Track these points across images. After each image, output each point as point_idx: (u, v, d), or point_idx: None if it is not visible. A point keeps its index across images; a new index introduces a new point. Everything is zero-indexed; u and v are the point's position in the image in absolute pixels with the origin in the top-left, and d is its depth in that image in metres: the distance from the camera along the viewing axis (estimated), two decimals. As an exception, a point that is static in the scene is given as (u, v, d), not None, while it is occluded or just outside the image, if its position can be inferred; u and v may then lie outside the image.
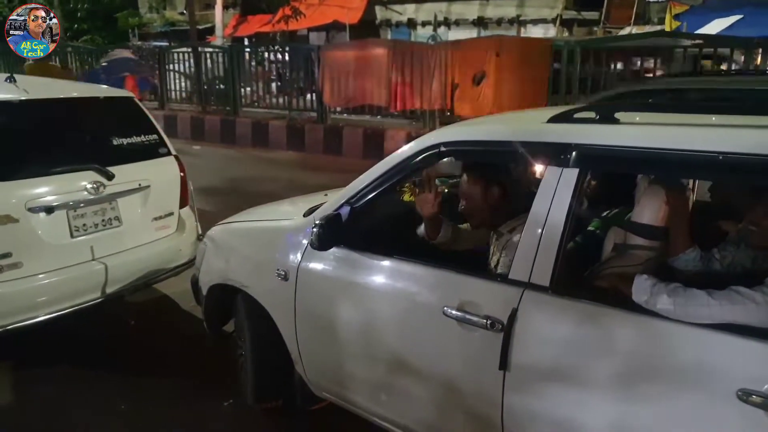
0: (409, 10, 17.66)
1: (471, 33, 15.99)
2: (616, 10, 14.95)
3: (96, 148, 3.57)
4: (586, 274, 2.08)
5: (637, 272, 1.75)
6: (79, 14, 21.43)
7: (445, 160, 2.28)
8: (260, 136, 11.22)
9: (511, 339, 1.82)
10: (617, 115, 1.88)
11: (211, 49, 13.15)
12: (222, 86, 12.52)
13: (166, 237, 3.77)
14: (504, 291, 1.89)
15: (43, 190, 3.19)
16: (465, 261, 2.23)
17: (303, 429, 2.87)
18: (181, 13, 20.71)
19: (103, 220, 3.43)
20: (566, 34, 15.34)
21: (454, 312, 1.95)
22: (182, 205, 3.90)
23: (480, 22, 16.58)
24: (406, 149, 2.26)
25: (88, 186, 3.32)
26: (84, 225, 3.34)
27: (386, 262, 2.24)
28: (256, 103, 12.31)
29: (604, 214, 2.49)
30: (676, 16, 12.00)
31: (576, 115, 1.97)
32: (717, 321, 1.53)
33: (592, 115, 1.92)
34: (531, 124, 2.21)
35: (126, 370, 3.33)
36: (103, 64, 10.16)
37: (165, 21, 21.85)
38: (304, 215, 2.63)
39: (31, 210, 3.12)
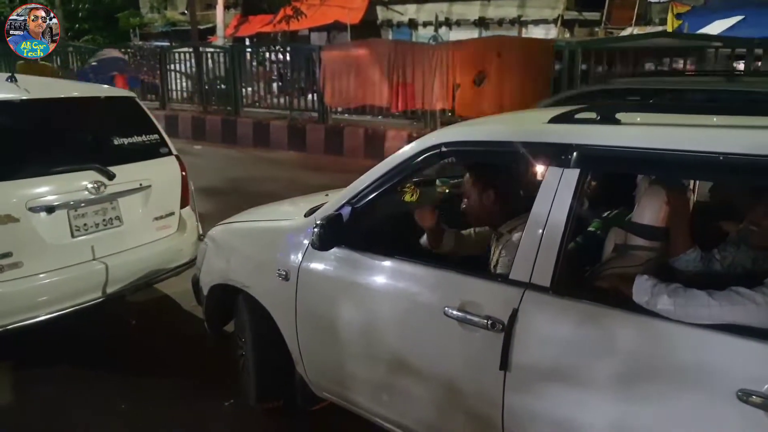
0: (410, 11, 17.66)
1: (472, 33, 15.98)
2: (618, 11, 14.95)
3: (97, 148, 3.57)
4: (586, 274, 2.08)
5: (638, 273, 1.75)
6: (80, 14, 21.45)
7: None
8: (261, 136, 11.22)
9: (511, 339, 1.82)
10: (618, 115, 1.88)
11: (212, 49, 13.16)
12: (223, 86, 12.52)
13: (167, 237, 3.77)
14: (505, 291, 1.89)
15: (44, 189, 3.19)
16: (466, 261, 2.23)
17: (304, 429, 2.87)
18: (183, 13, 20.71)
19: (103, 220, 3.43)
20: (567, 34, 15.33)
21: (454, 312, 1.95)
22: (183, 205, 3.90)
23: (481, 23, 16.57)
24: (407, 149, 2.26)
25: (89, 186, 3.33)
26: (85, 225, 3.34)
27: (387, 263, 2.25)
28: (257, 103, 12.32)
29: (605, 214, 2.49)
30: (678, 15, 12.00)
31: (577, 116, 1.97)
32: (717, 321, 1.54)
33: (593, 115, 1.92)
34: (532, 124, 2.21)
35: (126, 370, 3.33)
36: (93, 63, 10.17)
37: (166, 21, 21.85)
38: (305, 215, 2.63)
39: (32, 210, 3.12)
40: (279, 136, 11.03)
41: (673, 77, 5.55)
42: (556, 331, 1.79)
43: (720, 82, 4.49)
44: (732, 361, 1.50)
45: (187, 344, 3.63)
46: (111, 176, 3.41)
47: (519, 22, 16.12)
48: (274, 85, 12.60)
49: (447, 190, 3.23)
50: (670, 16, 12.26)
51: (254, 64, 12.69)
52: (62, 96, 3.74)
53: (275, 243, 2.66)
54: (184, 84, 13.25)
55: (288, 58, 12.17)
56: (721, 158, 1.59)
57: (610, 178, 2.62)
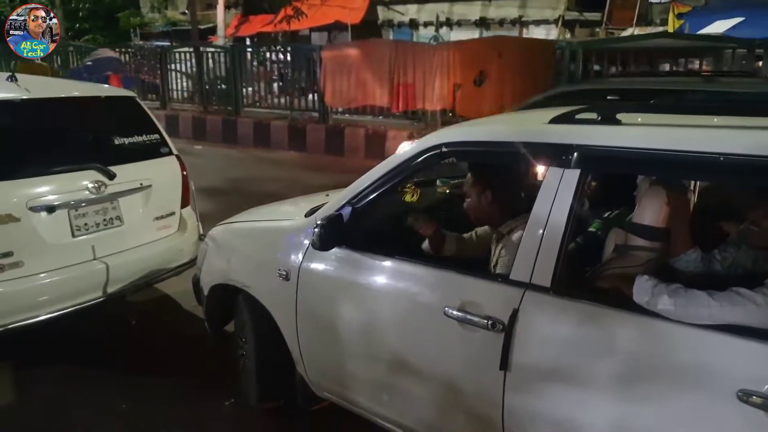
0: (411, 11, 17.66)
1: (473, 34, 15.99)
2: (619, 11, 14.93)
3: (97, 148, 3.57)
4: (587, 274, 2.08)
5: (638, 273, 1.75)
6: (80, 14, 21.46)
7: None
8: (262, 136, 11.22)
9: (511, 339, 1.82)
10: (619, 116, 1.88)
11: (212, 49, 13.17)
12: (224, 86, 12.52)
13: (168, 237, 3.77)
14: (505, 291, 1.89)
15: (45, 189, 3.19)
16: (466, 261, 2.23)
17: (304, 429, 2.87)
18: (183, 13, 20.71)
19: (104, 220, 3.43)
20: (568, 35, 15.33)
21: (455, 312, 1.95)
22: (184, 204, 3.90)
23: (482, 23, 16.57)
24: (408, 149, 2.26)
25: (90, 185, 3.33)
26: (85, 224, 3.34)
27: (387, 263, 2.25)
28: (258, 103, 12.32)
29: (606, 215, 2.49)
30: (679, 15, 11.98)
31: (578, 116, 1.97)
32: (718, 322, 1.54)
33: (593, 116, 1.92)
34: (533, 124, 2.21)
35: (127, 369, 3.33)
36: (88, 63, 10.17)
37: (167, 21, 21.85)
38: (306, 215, 2.63)
39: (33, 209, 3.12)
40: (279, 136, 11.03)
41: (649, 78, 5.83)
42: (557, 332, 1.79)
43: (697, 82, 4.73)
44: (732, 361, 1.50)
45: (187, 344, 3.63)
46: (111, 176, 3.41)
47: (520, 22, 16.12)
48: (275, 85, 12.61)
49: (447, 191, 3.23)
50: (671, 17, 12.25)
51: (255, 64, 12.70)
52: (63, 96, 3.74)
53: (276, 243, 2.66)
54: (184, 84, 13.25)
55: (288, 58, 12.18)
56: (721, 159, 1.59)
57: (610, 179, 2.62)
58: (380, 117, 10.40)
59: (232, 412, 2.97)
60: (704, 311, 1.55)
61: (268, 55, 12.70)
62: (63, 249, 3.24)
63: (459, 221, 2.60)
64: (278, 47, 13.16)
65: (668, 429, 1.58)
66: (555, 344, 1.79)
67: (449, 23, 16.93)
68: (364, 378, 2.36)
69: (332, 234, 2.27)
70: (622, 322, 1.69)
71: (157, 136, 3.82)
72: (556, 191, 1.84)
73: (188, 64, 12.95)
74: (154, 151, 3.77)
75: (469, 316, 1.92)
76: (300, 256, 2.46)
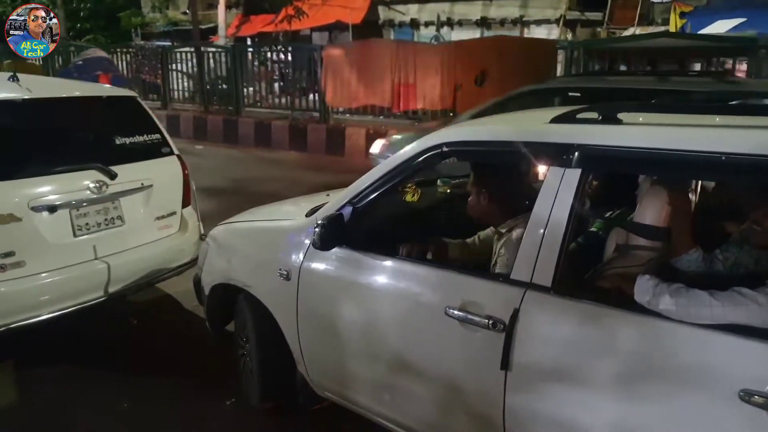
0: (412, 11, 17.66)
1: (474, 33, 15.99)
2: (620, 11, 14.92)
3: (99, 148, 3.58)
4: (588, 274, 2.08)
5: (640, 273, 1.75)
6: (81, 14, 21.49)
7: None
8: (263, 136, 11.23)
9: (512, 339, 1.82)
10: (620, 115, 1.88)
11: (213, 49, 13.19)
12: (225, 86, 12.54)
13: (169, 236, 3.77)
14: (506, 291, 1.89)
15: (46, 189, 3.20)
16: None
17: (305, 429, 2.87)
18: (184, 13, 20.71)
19: (105, 220, 3.43)
20: (569, 35, 15.31)
21: (456, 312, 1.95)
22: (185, 204, 3.90)
23: (483, 23, 16.57)
24: (409, 149, 2.26)
25: (91, 185, 3.33)
26: (87, 224, 3.34)
27: (388, 262, 2.25)
28: (259, 103, 12.34)
29: (607, 214, 2.49)
30: (682, 14, 11.97)
31: (579, 116, 1.97)
32: (719, 322, 1.53)
33: (594, 115, 1.92)
34: (534, 124, 2.21)
35: (128, 369, 3.33)
36: (79, 62, 10.18)
37: (168, 21, 21.86)
38: (307, 215, 2.63)
39: (34, 209, 3.12)
40: (280, 136, 11.04)
41: (610, 76, 6.41)
42: (558, 331, 1.79)
43: (650, 81, 5.11)
44: (734, 361, 1.50)
45: (188, 344, 3.63)
46: (113, 176, 3.41)
47: (521, 22, 16.12)
48: (276, 85, 12.62)
49: (448, 190, 3.23)
50: (673, 16, 12.23)
51: (256, 63, 12.72)
52: (64, 95, 3.74)
53: (276, 243, 2.66)
54: (185, 84, 13.27)
55: (289, 57, 12.20)
56: (723, 158, 1.59)
57: (611, 178, 2.62)
58: (381, 117, 10.41)
59: (233, 412, 2.97)
60: (706, 311, 1.55)
61: (269, 55, 12.72)
62: (64, 249, 3.24)
63: (460, 222, 2.60)
64: (279, 47, 13.18)
65: (670, 429, 1.58)
66: (556, 344, 1.78)
67: (450, 23, 16.93)
68: (364, 378, 2.36)
69: (333, 234, 2.27)
70: (623, 321, 1.69)
71: (158, 135, 3.82)
72: (557, 191, 1.84)
73: (189, 64, 12.98)
74: (155, 150, 3.77)
75: (470, 316, 1.92)
76: (301, 256, 2.46)
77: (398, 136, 6.46)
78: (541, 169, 2.02)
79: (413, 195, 3.03)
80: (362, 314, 2.29)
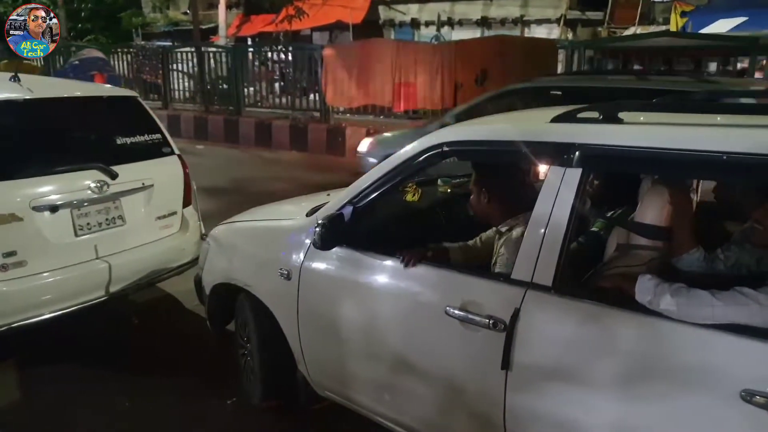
0: (412, 10, 17.65)
1: (474, 33, 15.98)
2: (621, 10, 14.92)
3: (99, 148, 3.58)
4: (588, 274, 2.08)
5: (641, 272, 1.74)
6: (82, 14, 21.49)
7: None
8: (263, 136, 11.23)
9: (513, 339, 1.82)
10: (621, 115, 1.88)
11: (214, 49, 13.19)
12: (225, 86, 12.55)
13: (170, 236, 3.78)
14: (506, 291, 1.89)
15: (48, 189, 3.20)
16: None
17: (305, 428, 2.87)
18: (185, 13, 20.71)
19: (106, 219, 3.44)
20: (570, 34, 15.31)
21: (456, 312, 1.95)
22: (185, 204, 3.91)
23: (483, 22, 16.56)
24: (409, 149, 2.26)
25: (92, 185, 3.33)
26: (88, 224, 3.35)
27: (389, 262, 2.24)
28: (260, 103, 12.34)
29: (608, 214, 2.48)
30: (683, 13, 11.96)
31: (579, 115, 1.97)
32: (720, 321, 1.53)
33: (595, 115, 1.92)
34: (534, 123, 2.20)
35: (129, 368, 3.33)
36: (75, 62, 10.19)
37: (168, 21, 21.86)
38: (307, 215, 2.63)
39: (36, 209, 3.13)
40: (281, 136, 11.04)
41: (587, 75, 6.67)
42: (558, 331, 1.79)
43: (631, 80, 5.32)
44: (735, 361, 1.50)
45: (189, 343, 3.63)
46: (114, 176, 3.42)
47: (521, 21, 16.11)
48: (276, 84, 12.62)
49: (448, 190, 3.23)
50: (673, 16, 12.22)
51: (256, 63, 12.72)
52: (65, 95, 3.74)
53: (277, 242, 2.66)
54: (186, 84, 13.27)
55: (290, 57, 12.19)
56: (724, 158, 1.59)
57: (612, 178, 2.62)
58: (381, 117, 10.40)
59: (234, 411, 2.97)
60: (707, 311, 1.55)
61: (269, 54, 12.73)
62: (66, 248, 3.25)
63: (460, 221, 2.60)
64: (280, 47, 13.18)
65: (671, 429, 1.58)
66: (557, 344, 1.78)
67: (451, 23, 16.92)
68: (365, 377, 2.36)
69: (333, 233, 2.27)
70: (624, 321, 1.68)
71: (158, 135, 3.82)
72: (558, 190, 1.84)
73: (190, 64, 12.97)
74: (156, 150, 3.78)
75: (470, 316, 1.91)
76: (301, 256, 2.46)
77: (386, 135, 6.49)
78: (542, 168, 2.02)
79: (414, 195, 3.03)
80: (363, 314, 2.29)
